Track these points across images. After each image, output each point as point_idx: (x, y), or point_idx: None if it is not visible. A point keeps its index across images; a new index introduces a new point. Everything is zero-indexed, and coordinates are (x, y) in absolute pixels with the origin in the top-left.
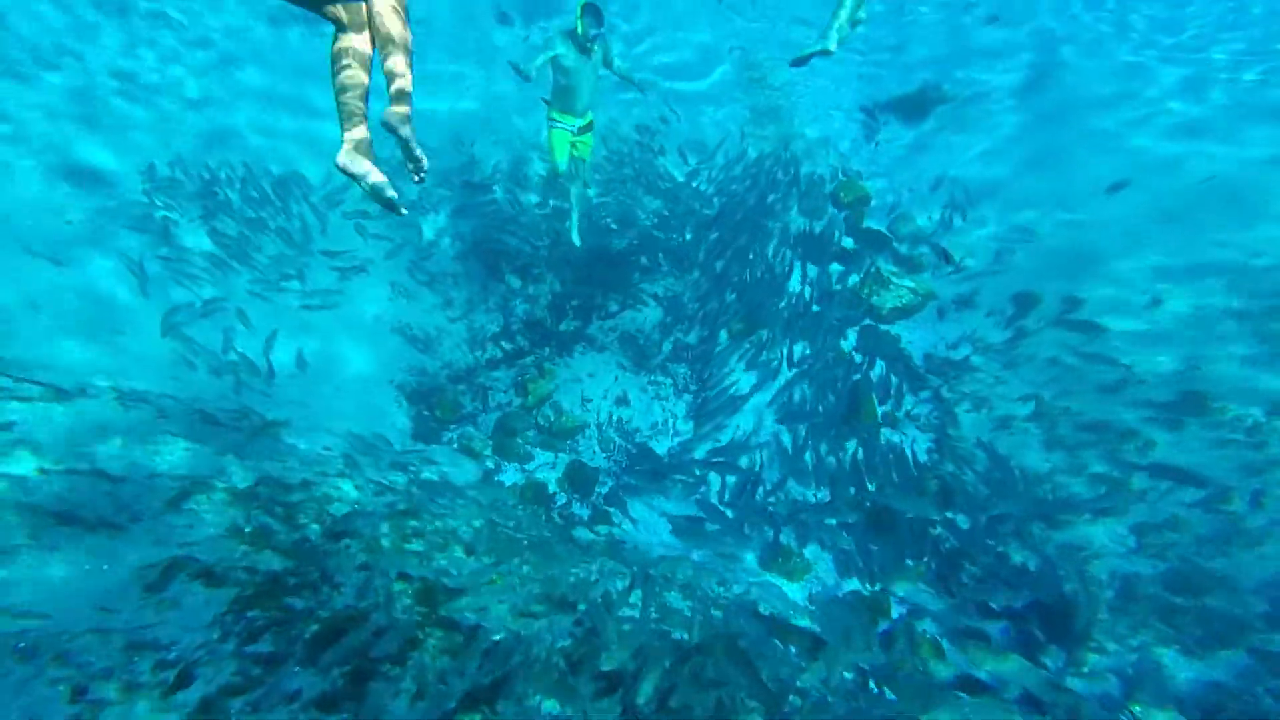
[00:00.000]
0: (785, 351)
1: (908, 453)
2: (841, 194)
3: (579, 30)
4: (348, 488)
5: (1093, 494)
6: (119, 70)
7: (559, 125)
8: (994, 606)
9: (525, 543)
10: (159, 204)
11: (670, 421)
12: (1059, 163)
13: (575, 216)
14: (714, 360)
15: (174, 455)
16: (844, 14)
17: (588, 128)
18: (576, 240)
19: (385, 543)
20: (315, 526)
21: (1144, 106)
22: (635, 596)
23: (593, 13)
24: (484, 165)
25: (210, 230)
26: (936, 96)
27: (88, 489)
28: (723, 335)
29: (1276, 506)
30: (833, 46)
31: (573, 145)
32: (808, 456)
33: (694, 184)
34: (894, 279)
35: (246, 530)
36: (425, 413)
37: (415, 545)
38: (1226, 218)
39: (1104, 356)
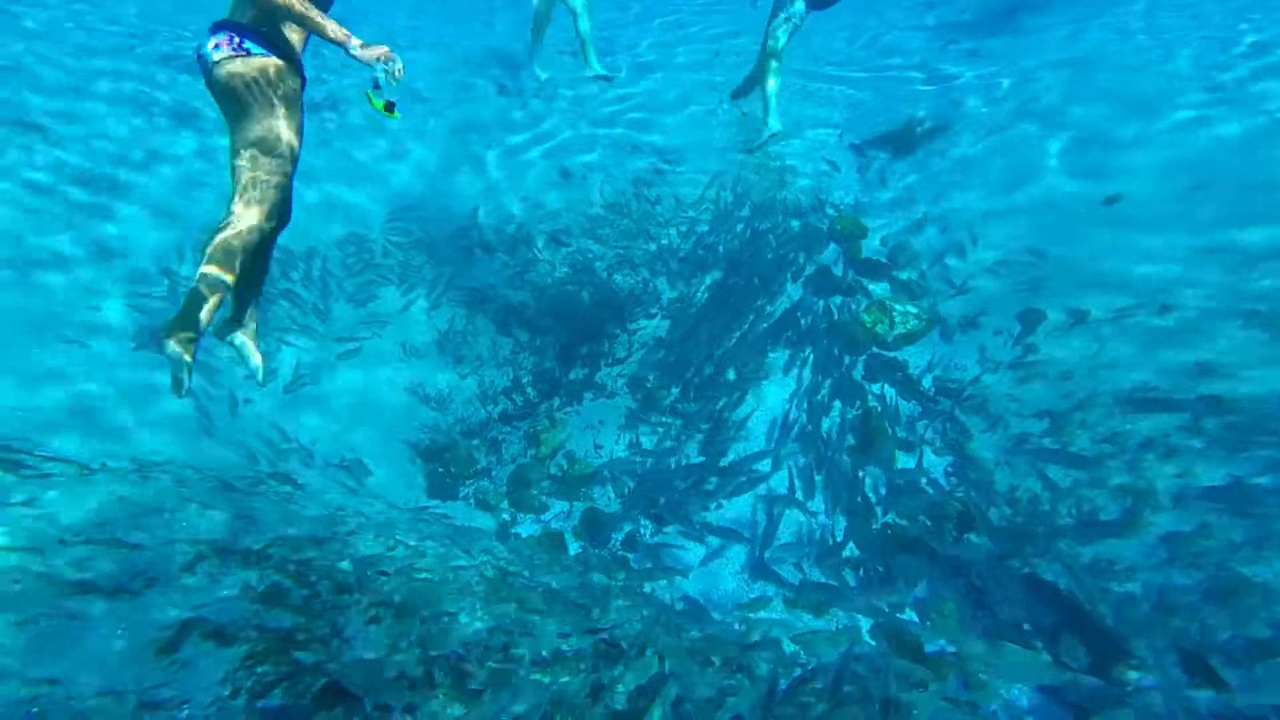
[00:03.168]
0: (793, 384)
1: (927, 476)
2: (838, 226)
3: None
4: (360, 544)
5: (1119, 506)
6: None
7: None
8: (1026, 627)
9: (540, 591)
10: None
11: (683, 461)
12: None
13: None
14: (722, 398)
15: (190, 521)
16: (773, 99)
17: None
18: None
19: (397, 597)
20: (326, 583)
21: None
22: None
23: None
24: (486, 228)
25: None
26: (923, 130)
27: (106, 557)
28: (730, 373)
29: None
30: (778, 126)
31: None
32: (819, 481)
33: (693, 226)
34: (896, 306)
35: (258, 590)
36: (440, 470)
37: (426, 596)
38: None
39: (1114, 366)
